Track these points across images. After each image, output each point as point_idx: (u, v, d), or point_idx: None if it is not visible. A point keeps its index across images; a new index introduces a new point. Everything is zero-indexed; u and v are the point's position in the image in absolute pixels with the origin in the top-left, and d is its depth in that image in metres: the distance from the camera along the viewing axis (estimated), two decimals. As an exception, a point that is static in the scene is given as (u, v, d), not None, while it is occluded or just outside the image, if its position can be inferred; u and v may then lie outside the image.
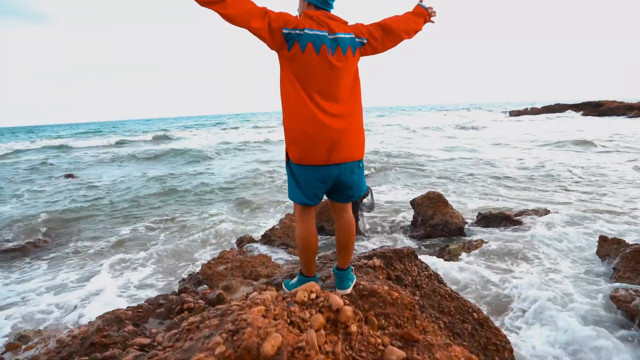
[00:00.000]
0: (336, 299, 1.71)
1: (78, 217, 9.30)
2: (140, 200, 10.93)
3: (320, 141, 2.06)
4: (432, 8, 2.48)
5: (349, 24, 2.20)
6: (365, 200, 6.11)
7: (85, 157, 23.00)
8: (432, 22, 2.52)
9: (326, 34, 2.05)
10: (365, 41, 2.21)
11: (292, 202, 2.32)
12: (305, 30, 2.01)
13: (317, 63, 2.03)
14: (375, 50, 2.29)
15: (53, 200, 11.18)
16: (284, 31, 1.99)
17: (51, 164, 19.84)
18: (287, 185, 2.32)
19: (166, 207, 10.06)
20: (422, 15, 2.44)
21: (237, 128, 49.50)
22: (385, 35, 2.28)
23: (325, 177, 2.15)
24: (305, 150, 2.09)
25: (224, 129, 48.74)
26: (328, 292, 1.77)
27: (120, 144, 32.25)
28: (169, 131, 44.89)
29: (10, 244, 7.28)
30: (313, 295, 1.67)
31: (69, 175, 15.90)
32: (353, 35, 2.16)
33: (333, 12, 2.19)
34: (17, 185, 14.24)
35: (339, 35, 2.09)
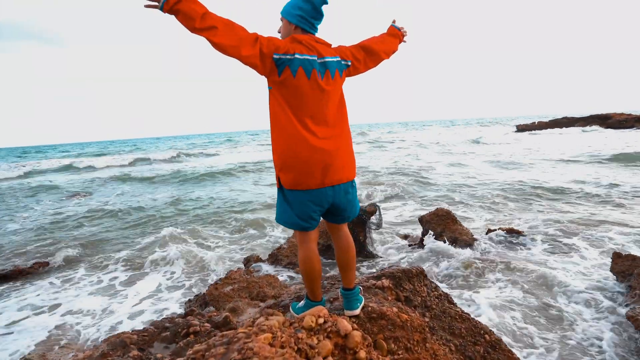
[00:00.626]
0: (344, 324, 1.67)
1: (91, 235, 9.34)
2: (154, 217, 10.94)
3: (313, 165, 2.05)
4: (403, 28, 2.57)
5: (332, 46, 2.23)
6: (373, 219, 6.07)
7: (101, 176, 22.83)
8: (405, 41, 2.61)
9: (316, 58, 2.08)
10: (349, 63, 2.26)
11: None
12: (296, 55, 2.01)
13: (308, 88, 2.05)
14: (357, 71, 2.35)
15: (65, 220, 11.21)
16: (274, 56, 1.98)
17: (66, 184, 19.89)
18: (279, 209, 2.26)
19: (183, 227, 10.04)
20: (397, 36, 2.53)
21: (248, 144, 49.73)
22: (367, 56, 2.35)
23: (321, 200, 2.14)
24: (299, 175, 2.07)
25: (235, 147, 48.79)
26: (336, 316, 1.74)
27: (136, 162, 31.99)
28: (182, 149, 44.46)
29: (21, 263, 7.31)
30: (321, 320, 1.64)
31: (80, 195, 16.02)
32: (339, 59, 2.19)
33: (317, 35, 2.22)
34: (30, 205, 14.32)
35: (327, 59, 2.12)
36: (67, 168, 30.21)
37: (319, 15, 2.15)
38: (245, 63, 1.98)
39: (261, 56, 1.97)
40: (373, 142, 37.49)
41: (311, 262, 2.22)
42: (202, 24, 1.86)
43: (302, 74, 2.02)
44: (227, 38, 1.90)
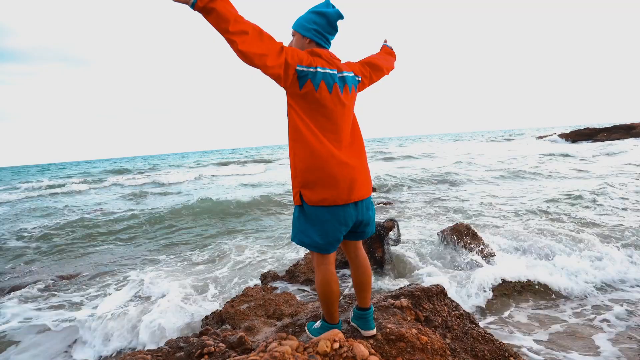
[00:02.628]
0: (361, 349, 1.60)
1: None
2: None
3: (341, 180, 2.00)
4: (392, 47, 2.71)
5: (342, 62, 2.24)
6: (391, 234, 5.97)
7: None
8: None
9: (336, 72, 2.06)
10: (360, 79, 2.27)
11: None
12: (318, 69, 1.99)
13: (330, 102, 2.01)
14: (364, 87, 2.36)
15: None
16: (298, 68, 1.93)
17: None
18: (298, 228, 2.16)
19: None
20: (392, 54, 2.66)
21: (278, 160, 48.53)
22: (373, 72, 2.39)
23: (347, 219, 2.08)
24: (326, 191, 2.00)
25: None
26: (352, 340, 1.68)
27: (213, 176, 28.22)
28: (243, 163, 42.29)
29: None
30: (336, 345, 1.57)
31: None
32: (353, 74, 2.20)
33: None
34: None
35: (345, 74, 2.12)
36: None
37: (334, 30, 2.13)
38: (269, 73, 1.90)
39: (285, 67, 1.90)
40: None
41: (329, 284, 2.15)
42: (235, 27, 1.75)
43: (324, 88, 1.98)
44: (255, 46, 1.79)
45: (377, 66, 2.41)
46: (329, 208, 2.02)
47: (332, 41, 2.17)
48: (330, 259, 2.17)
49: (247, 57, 1.80)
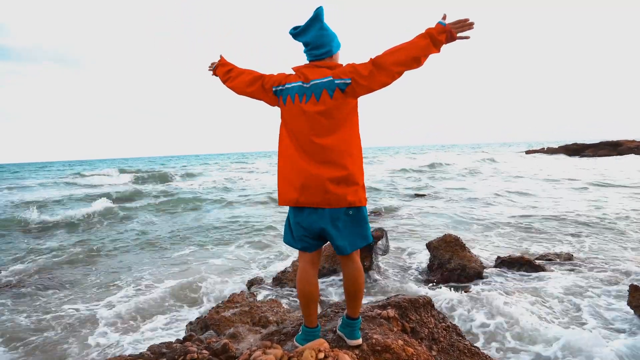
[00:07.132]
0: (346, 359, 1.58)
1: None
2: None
3: (293, 180, 2.20)
4: (468, 20, 2.03)
5: (336, 68, 2.21)
6: (379, 244, 5.96)
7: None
8: (466, 37, 2.06)
9: (301, 83, 2.23)
10: (349, 81, 2.11)
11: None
12: (286, 85, 2.30)
13: (294, 112, 2.23)
14: (367, 88, 2.13)
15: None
16: (273, 89, 2.35)
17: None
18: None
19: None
20: (430, 35, 2.03)
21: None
22: (377, 70, 2.08)
23: (305, 222, 2.23)
24: (280, 189, 2.28)
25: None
26: (338, 350, 1.65)
27: None
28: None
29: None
30: (321, 355, 1.55)
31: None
32: (331, 78, 2.15)
33: (330, 59, 2.31)
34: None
35: (314, 82, 2.19)
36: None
37: (306, 46, 2.31)
38: (252, 98, 2.46)
39: (264, 91, 2.39)
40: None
41: (303, 284, 2.27)
42: (225, 77, 2.57)
43: (289, 101, 2.26)
44: (236, 83, 2.49)
45: (382, 64, 2.08)
46: (292, 209, 2.30)
47: (316, 53, 2.29)
48: (307, 258, 2.31)
49: (233, 90, 2.54)
